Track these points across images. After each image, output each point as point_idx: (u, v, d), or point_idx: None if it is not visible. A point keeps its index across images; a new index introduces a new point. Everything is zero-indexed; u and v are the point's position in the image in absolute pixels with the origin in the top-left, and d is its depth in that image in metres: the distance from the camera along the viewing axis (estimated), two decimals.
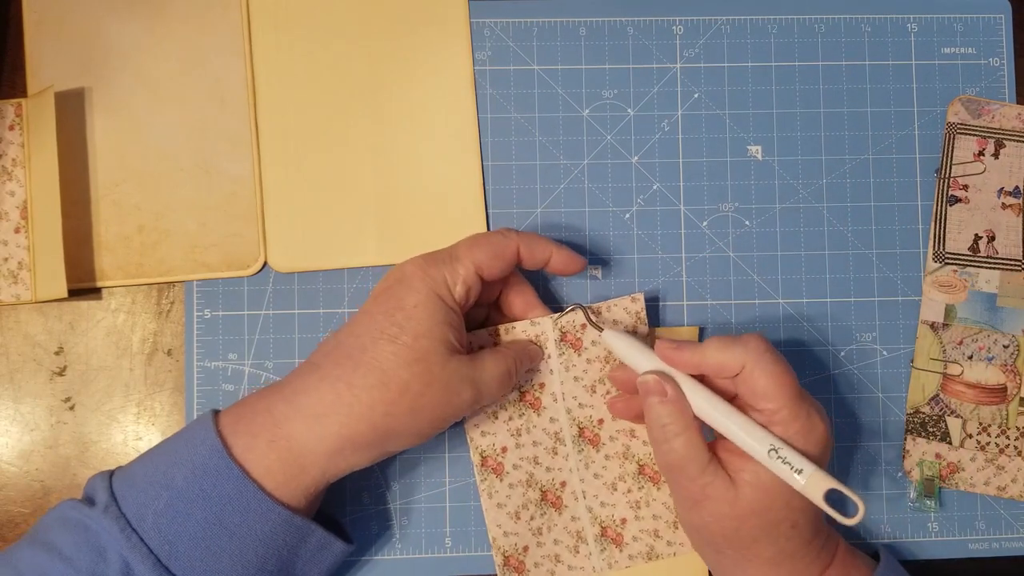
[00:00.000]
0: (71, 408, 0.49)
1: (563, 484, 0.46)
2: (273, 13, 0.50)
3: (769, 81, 0.51)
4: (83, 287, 0.48)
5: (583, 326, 0.45)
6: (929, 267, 0.50)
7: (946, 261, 0.50)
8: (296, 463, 0.39)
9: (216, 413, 0.41)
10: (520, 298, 0.46)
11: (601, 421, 0.46)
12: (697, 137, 0.51)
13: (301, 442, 0.39)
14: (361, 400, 0.39)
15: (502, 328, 0.46)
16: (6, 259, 0.48)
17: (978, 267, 0.50)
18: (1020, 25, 0.52)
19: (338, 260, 0.49)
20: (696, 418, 0.42)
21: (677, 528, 0.46)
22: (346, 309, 0.49)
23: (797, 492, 0.40)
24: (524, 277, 0.47)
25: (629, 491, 0.46)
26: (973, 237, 0.50)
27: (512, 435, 0.46)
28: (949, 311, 0.50)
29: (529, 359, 0.45)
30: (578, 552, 0.46)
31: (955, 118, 0.51)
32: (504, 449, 0.46)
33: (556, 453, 0.46)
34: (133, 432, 0.49)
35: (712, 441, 0.42)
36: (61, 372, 0.49)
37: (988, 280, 0.50)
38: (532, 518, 0.46)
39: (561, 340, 0.46)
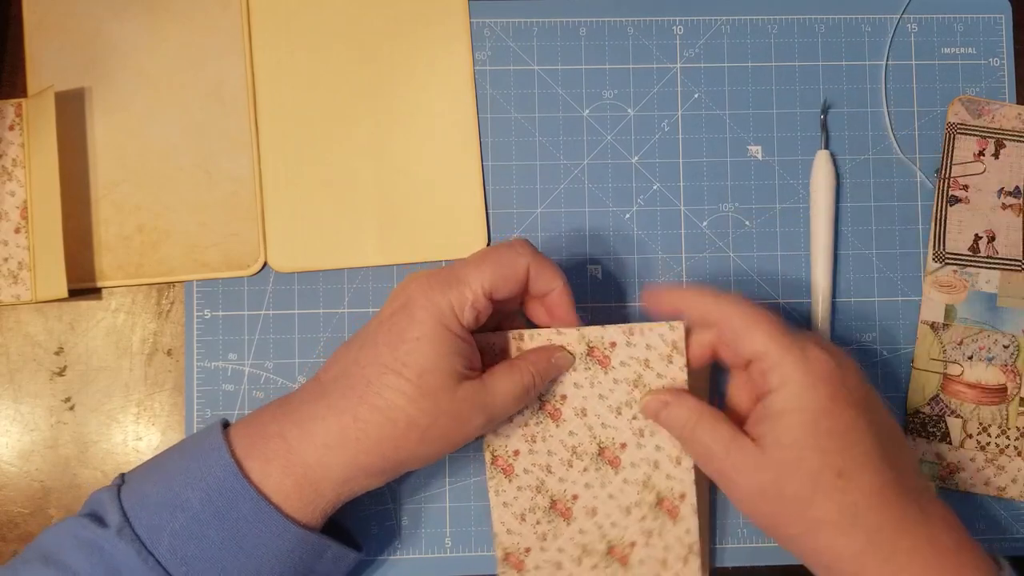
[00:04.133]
0: (71, 408, 0.49)
1: (575, 497, 0.45)
2: (273, 13, 0.50)
3: (769, 81, 0.51)
4: (83, 287, 0.48)
5: (612, 344, 0.43)
6: (929, 267, 0.50)
7: (946, 261, 0.50)
8: (312, 488, 0.39)
9: (225, 427, 0.41)
10: (542, 308, 0.44)
11: (624, 446, 0.44)
12: (697, 137, 0.51)
13: (315, 469, 0.39)
14: (368, 435, 0.39)
15: (526, 333, 0.44)
16: (6, 259, 0.48)
17: (978, 267, 0.50)
18: (1020, 25, 0.52)
19: (338, 260, 0.49)
20: (706, 404, 0.41)
21: (687, 563, 0.45)
22: (346, 309, 0.49)
23: (825, 434, 0.38)
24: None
25: (644, 518, 0.45)
26: (973, 237, 0.50)
27: (526, 441, 0.45)
28: (949, 311, 0.50)
29: (555, 370, 0.43)
30: (581, 563, 0.46)
31: (955, 118, 0.51)
32: (516, 452, 0.45)
33: (571, 466, 0.45)
34: (133, 432, 0.49)
35: (744, 425, 0.41)
36: (61, 372, 0.49)
37: (988, 280, 0.50)
38: (538, 523, 0.45)
39: (588, 355, 0.44)
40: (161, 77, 0.50)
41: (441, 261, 0.49)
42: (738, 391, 0.43)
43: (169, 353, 0.49)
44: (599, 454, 0.44)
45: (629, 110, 0.51)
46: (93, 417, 0.49)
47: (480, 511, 0.48)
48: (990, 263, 0.50)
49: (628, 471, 0.45)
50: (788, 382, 0.39)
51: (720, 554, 0.49)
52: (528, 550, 0.45)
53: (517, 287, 0.41)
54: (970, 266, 0.50)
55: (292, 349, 0.49)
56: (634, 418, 0.44)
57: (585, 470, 0.45)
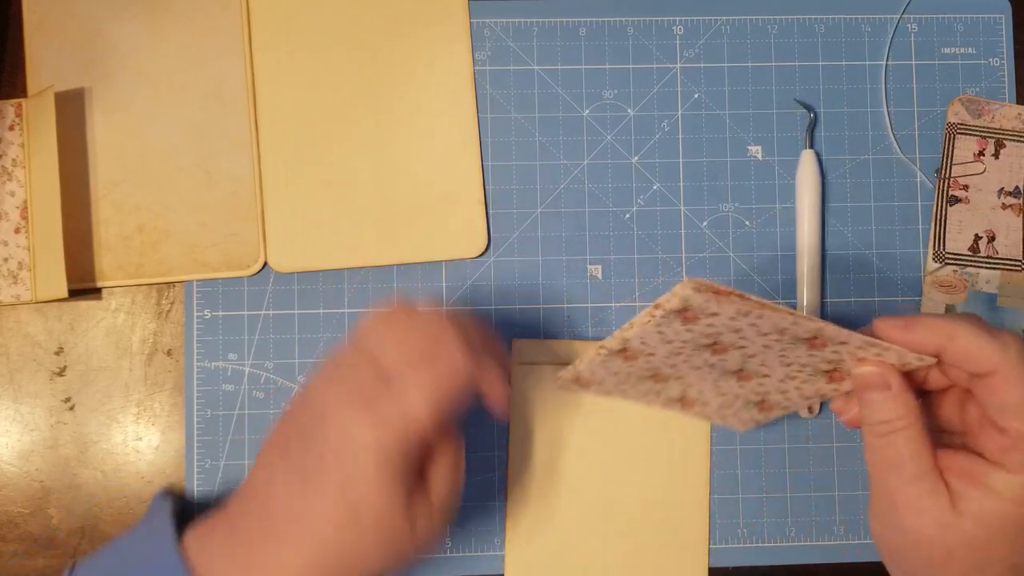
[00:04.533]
0: (71, 408, 0.49)
1: (680, 377, 0.42)
2: (273, 13, 0.50)
3: (769, 81, 0.51)
4: (83, 287, 0.48)
5: (842, 343, 0.37)
6: (929, 267, 0.50)
7: (946, 261, 0.50)
8: None
9: (179, 519, 0.39)
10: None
11: (766, 376, 0.41)
12: (697, 137, 0.51)
13: None
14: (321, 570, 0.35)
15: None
16: (6, 259, 0.48)
17: (978, 267, 0.50)
18: (1020, 25, 0.52)
19: (338, 260, 0.49)
20: (922, 416, 0.37)
21: (745, 424, 0.44)
22: (346, 309, 0.49)
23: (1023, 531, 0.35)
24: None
25: (731, 403, 0.43)
26: (973, 237, 0.50)
27: (671, 354, 0.40)
28: (949, 311, 0.50)
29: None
30: (646, 397, 0.43)
31: (955, 118, 0.51)
32: (652, 354, 0.40)
33: (699, 369, 0.41)
34: (133, 432, 0.49)
35: (940, 453, 0.37)
36: (61, 372, 0.49)
37: (988, 280, 0.50)
38: (622, 379, 0.42)
39: (810, 340, 0.38)
40: (161, 77, 0.50)
41: (441, 262, 0.49)
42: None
43: (169, 353, 0.49)
44: (736, 372, 0.41)
45: (629, 110, 0.51)
46: (93, 417, 0.49)
47: (480, 511, 0.48)
48: (990, 263, 0.50)
49: (750, 388, 0.42)
50: None
51: (720, 554, 0.49)
52: (600, 383, 0.43)
53: (462, 402, 0.36)
54: (970, 266, 0.50)
55: (292, 349, 0.49)
56: (795, 371, 0.40)
57: (709, 374, 0.41)
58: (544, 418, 0.49)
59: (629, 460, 0.48)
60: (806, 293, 0.49)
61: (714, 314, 0.36)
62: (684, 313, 0.36)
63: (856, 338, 0.37)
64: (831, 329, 0.37)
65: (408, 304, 0.39)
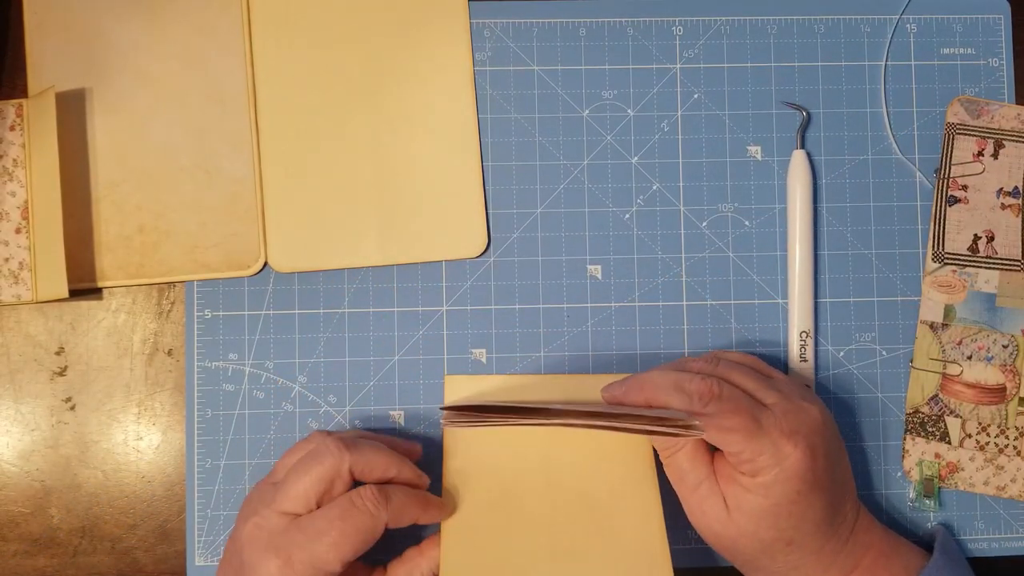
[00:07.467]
0: (72, 408, 0.49)
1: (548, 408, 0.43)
2: (273, 13, 0.50)
3: (769, 81, 0.51)
4: (84, 287, 0.49)
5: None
6: (928, 267, 0.50)
7: (945, 261, 0.50)
8: None
9: None
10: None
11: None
12: (697, 137, 0.51)
13: None
14: None
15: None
16: (7, 259, 0.48)
17: (977, 267, 0.50)
18: (1019, 25, 0.52)
19: (338, 260, 0.49)
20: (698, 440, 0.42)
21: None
22: (346, 309, 0.49)
23: (785, 516, 0.40)
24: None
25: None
26: (972, 237, 0.50)
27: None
28: (948, 311, 0.50)
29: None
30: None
31: (954, 118, 0.51)
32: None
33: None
34: (134, 432, 0.49)
35: (717, 458, 0.43)
36: (62, 372, 0.49)
37: (987, 280, 0.50)
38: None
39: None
40: (161, 77, 0.50)
41: (441, 262, 0.49)
42: None
43: (170, 353, 0.49)
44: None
45: (629, 110, 0.51)
46: (94, 417, 0.49)
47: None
48: (989, 263, 0.50)
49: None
50: (760, 475, 0.40)
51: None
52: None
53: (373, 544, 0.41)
54: (969, 266, 0.50)
55: (292, 349, 0.49)
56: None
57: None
58: (479, 467, 0.46)
59: (574, 495, 0.45)
60: (798, 294, 0.49)
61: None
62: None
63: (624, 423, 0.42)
64: (600, 419, 0.41)
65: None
